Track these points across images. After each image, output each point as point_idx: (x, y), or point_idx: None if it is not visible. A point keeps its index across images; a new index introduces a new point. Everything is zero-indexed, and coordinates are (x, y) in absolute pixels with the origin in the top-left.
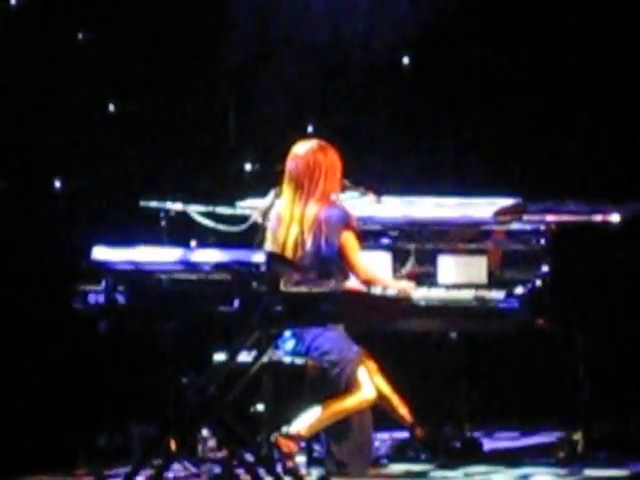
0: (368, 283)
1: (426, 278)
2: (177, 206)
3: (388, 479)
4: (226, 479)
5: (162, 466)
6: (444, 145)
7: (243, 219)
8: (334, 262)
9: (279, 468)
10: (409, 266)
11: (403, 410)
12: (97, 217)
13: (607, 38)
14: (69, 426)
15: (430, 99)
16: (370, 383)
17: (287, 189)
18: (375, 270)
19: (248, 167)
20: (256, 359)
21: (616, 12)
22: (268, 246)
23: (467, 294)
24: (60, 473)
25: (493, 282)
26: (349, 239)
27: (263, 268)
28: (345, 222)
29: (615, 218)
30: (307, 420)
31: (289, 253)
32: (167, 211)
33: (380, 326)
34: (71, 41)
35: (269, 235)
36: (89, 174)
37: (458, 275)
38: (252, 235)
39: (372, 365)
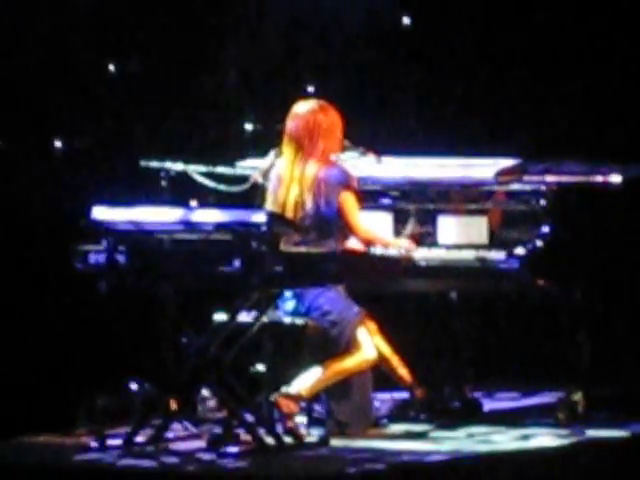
0: (368, 243)
1: (426, 238)
2: (177, 166)
3: (388, 439)
4: (226, 439)
5: (162, 426)
6: (445, 106)
7: (243, 179)
8: (334, 222)
9: (279, 428)
10: (410, 227)
11: (403, 371)
12: (98, 177)
13: None
14: (69, 386)
15: (431, 59)
16: (370, 344)
17: (287, 149)
18: (375, 230)
19: (249, 127)
20: (256, 319)
21: None
22: (269, 206)
23: (467, 254)
24: (60, 433)
25: (494, 242)
26: (348, 199)
27: (263, 228)
28: (344, 182)
29: (616, 179)
30: (307, 380)
31: (289, 213)
32: (167, 171)
33: (380, 286)
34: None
35: (270, 195)
36: (90, 134)
37: (458, 235)
38: (252, 195)
39: (372, 325)
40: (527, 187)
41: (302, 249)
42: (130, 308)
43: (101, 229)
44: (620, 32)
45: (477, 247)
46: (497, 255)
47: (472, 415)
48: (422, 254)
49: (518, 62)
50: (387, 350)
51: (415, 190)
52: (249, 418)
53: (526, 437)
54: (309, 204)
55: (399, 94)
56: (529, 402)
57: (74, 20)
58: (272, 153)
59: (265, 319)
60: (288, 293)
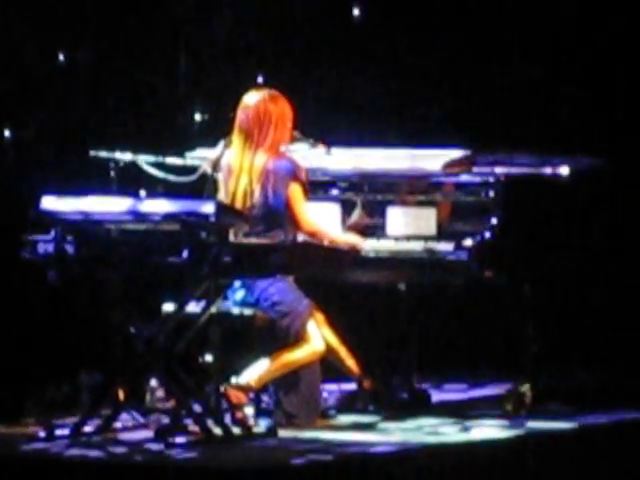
0: (312, 236)
1: (375, 230)
2: (126, 156)
3: (336, 430)
4: (174, 429)
5: (110, 416)
6: (394, 96)
7: (192, 169)
8: (282, 213)
9: (227, 419)
10: (354, 217)
11: (351, 362)
12: (46, 167)
13: None
14: (16, 376)
15: (381, 50)
16: (319, 335)
17: (237, 139)
18: (321, 223)
19: (198, 117)
20: (205, 309)
21: None
22: (220, 197)
23: (416, 246)
24: (8, 423)
25: (442, 234)
26: (295, 191)
27: (212, 219)
28: (292, 173)
29: (564, 170)
30: (256, 371)
31: (239, 204)
32: (116, 161)
33: (329, 277)
34: None
35: (221, 186)
36: (38, 123)
37: (407, 227)
38: (201, 186)
39: (320, 317)
40: (476, 178)
41: (252, 240)
42: (78, 298)
43: (50, 219)
44: (572, 20)
45: (426, 238)
46: (445, 247)
47: (420, 406)
48: (371, 245)
49: (468, 51)
50: (335, 341)
51: (364, 181)
52: (197, 408)
53: (474, 428)
54: (257, 194)
55: (348, 85)
56: (477, 393)
57: (24, 9)
58: (221, 143)
59: (214, 309)
60: (237, 283)
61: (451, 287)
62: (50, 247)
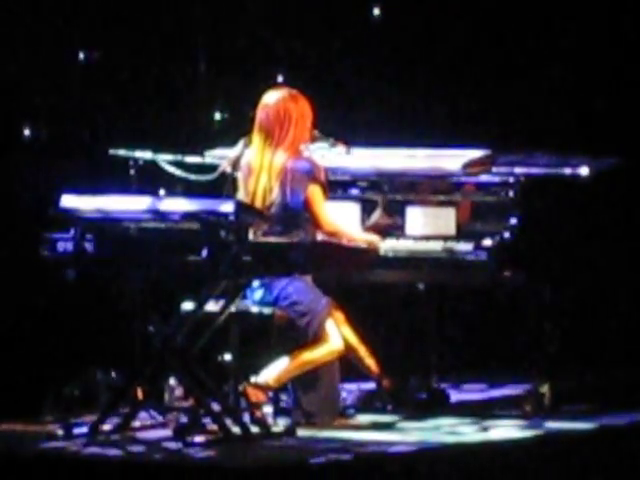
0: (333, 236)
1: (394, 229)
2: (146, 155)
3: (355, 430)
4: (193, 428)
5: (129, 414)
6: (414, 96)
7: (212, 168)
8: (300, 213)
9: (246, 418)
10: (375, 217)
11: (370, 361)
12: (66, 165)
13: None
14: (36, 373)
15: (400, 51)
16: (338, 334)
17: (257, 138)
18: (341, 223)
19: (217, 116)
20: (224, 308)
21: None
22: (240, 196)
23: (435, 246)
24: (26, 421)
25: (461, 234)
26: (315, 191)
27: (231, 217)
28: (311, 174)
29: (584, 171)
30: (275, 370)
31: (258, 203)
32: (136, 160)
33: (348, 277)
34: None
35: (240, 185)
36: (58, 122)
37: (426, 227)
38: (221, 185)
39: (339, 316)
40: (496, 178)
41: (270, 239)
42: (97, 296)
43: (69, 217)
44: (590, 24)
45: (445, 238)
46: (465, 247)
47: (439, 406)
48: (390, 245)
49: (487, 51)
50: (354, 340)
51: (383, 181)
52: (216, 407)
53: (492, 429)
54: (276, 193)
55: (368, 85)
56: (496, 394)
57: (45, 7)
58: (241, 142)
59: (233, 308)
60: (256, 282)
61: (470, 287)
62: (69, 245)
